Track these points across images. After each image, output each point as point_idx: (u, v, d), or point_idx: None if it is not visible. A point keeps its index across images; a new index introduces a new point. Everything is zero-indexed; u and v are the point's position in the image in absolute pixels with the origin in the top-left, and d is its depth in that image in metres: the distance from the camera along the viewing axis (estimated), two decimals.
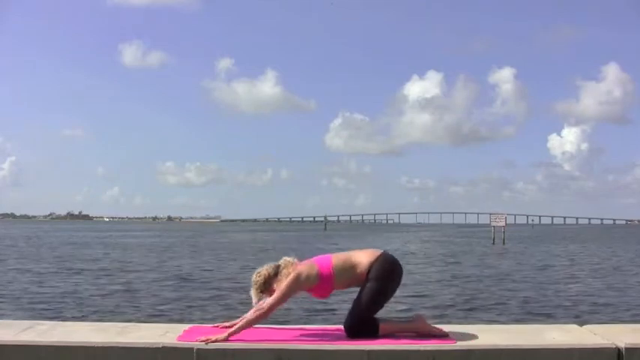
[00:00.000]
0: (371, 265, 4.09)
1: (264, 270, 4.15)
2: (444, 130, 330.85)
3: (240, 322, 3.99)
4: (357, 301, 4.08)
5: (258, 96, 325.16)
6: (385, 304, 4.16)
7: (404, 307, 12.43)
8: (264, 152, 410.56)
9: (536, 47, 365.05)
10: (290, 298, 4.08)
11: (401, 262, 4.34)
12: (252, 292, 4.16)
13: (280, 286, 4.01)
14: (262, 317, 3.97)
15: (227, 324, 4.22)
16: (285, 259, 4.19)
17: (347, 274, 4.09)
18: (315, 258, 4.22)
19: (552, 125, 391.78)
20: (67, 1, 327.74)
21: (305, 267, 4.10)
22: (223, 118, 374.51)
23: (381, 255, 4.18)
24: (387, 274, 4.10)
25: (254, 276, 4.16)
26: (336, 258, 4.15)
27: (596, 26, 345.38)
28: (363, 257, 4.14)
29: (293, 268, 4.08)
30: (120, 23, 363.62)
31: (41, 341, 3.76)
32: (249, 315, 4.01)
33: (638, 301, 14.74)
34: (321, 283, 4.06)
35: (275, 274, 4.12)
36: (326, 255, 4.23)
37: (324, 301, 4.20)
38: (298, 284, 4.02)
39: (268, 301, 4.00)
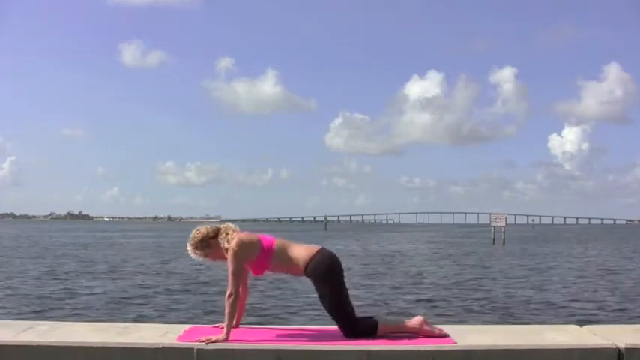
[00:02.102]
0: (308, 261, 4.02)
1: (204, 228, 4.14)
2: (445, 129, 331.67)
3: (226, 319, 3.92)
4: (328, 310, 4.04)
5: (258, 96, 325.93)
6: (351, 298, 4.10)
7: (404, 307, 12.44)
8: (264, 152, 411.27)
9: (537, 47, 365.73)
10: (241, 268, 3.98)
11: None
12: (188, 247, 4.15)
13: (228, 260, 3.96)
14: (233, 300, 3.90)
15: None
16: (227, 224, 4.17)
17: (284, 260, 4.05)
18: (257, 233, 4.19)
19: (553, 125, 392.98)
20: (67, 1, 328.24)
21: (246, 235, 4.07)
22: (223, 117, 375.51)
23: (318, 252, 4.10)
24: (327, 272, 4.03)
25: (193, 232, 4.14)
26: (278, 240, 4.13)
27: (597, 26, 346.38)
28: (301, 251, 4.09)
29: (233, 234, 4.04)
30: (120, 23, 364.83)
31: (41, 341, 3.76)
32: (226, 308, 3.94)
33: (638, 301, 14.74)
34: (261, 257, 4.01)
35: (214, 236, 4.09)
36: (269, 235, 4.19)
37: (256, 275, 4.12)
38: (242, 251, 3.96)
39: (229, 284, 3.94)
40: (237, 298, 3.94)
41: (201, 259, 4.18)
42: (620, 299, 14.91)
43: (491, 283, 18.48)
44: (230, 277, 3.93)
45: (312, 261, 4.03)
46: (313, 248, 4.13)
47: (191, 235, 4.14)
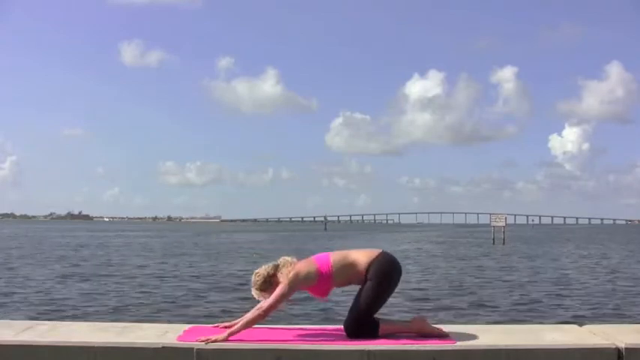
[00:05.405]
0: (369, 265, 4.08)
1: (263, 269, 4.17)
2: (445, 129, 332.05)
3: (239, 322, 4.00)
4: (356, 302, 4.08)
5: (258, 95, 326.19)
6: (384, 304, 4.16)
7: (404, 307, 12.42)
8: (264, 152, 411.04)
9: (538, 46, 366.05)
10: (289, 297, 4.08)
11: (401, 263, 4.35)
12: (253, 293, 4.18)
13: (279, 286, 4.02)
14: (261, 317, 3.98)
15: (227, 324, 4.23)
16: (283, 258, 4.20)
17: (346, 272, 4.09)
18: (314, 256, 4.22)
19: (554, 125, 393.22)
20: (67, 0, 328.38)
21: (304, 265, 4.10)
22: (223, 117, 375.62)
23: (379, 255, 4.16)
24: (385, 275, 4.10)
25: (253, 276, 4.19)
26: (335, 256, 4.16)
27: (599, 25, 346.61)
28: (361, 256, 4.14)
29: (292, 267, 4.08)
30: (120, 22, 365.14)
31: (41, 341, 3.76)
32: (249, 315, 4.01)
33: (638, 301, 14.73)
34: (321, 282, 4.06)
35: (274, 274, 4.13)
36: (325, 253, 4.23)
37: (323, 301, 4.16)
38: (297, 283, 4.02)
39: (268, 300, 4.00)
40: (264, 317, 3.97)
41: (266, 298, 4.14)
42: (621, 299, 14.90)
43: (491, 282, 18.47)
44: (273, 299, 3.97)
45: (375, 262, 4.07)
46: (374, 252, 4.16)
47: (252, 281, 4.17)
